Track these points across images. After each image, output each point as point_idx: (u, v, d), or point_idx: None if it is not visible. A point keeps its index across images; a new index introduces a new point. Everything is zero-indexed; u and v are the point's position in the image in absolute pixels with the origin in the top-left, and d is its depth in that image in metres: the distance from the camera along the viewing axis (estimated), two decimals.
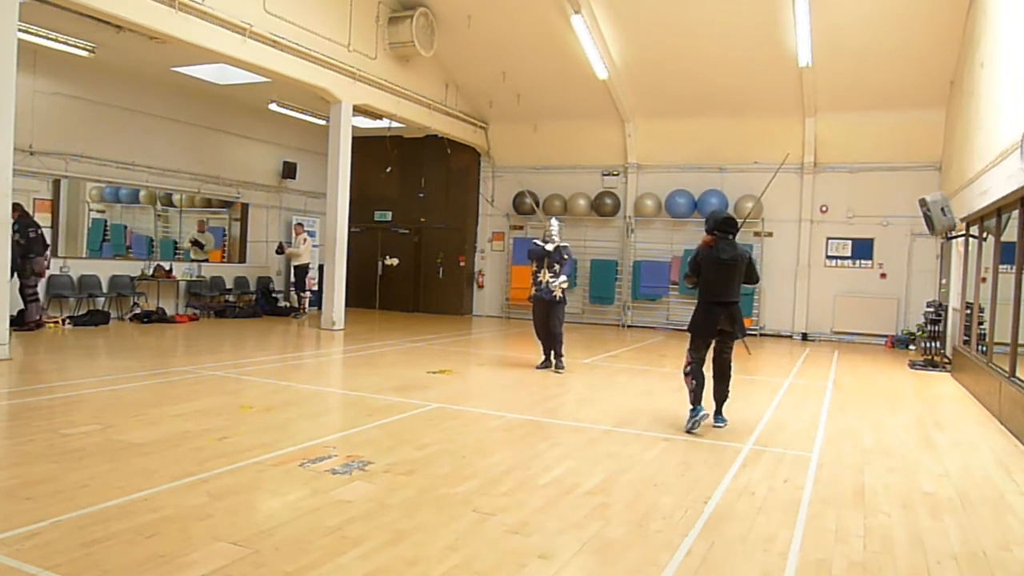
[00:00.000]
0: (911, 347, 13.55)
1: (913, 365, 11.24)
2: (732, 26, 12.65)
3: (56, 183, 12.21)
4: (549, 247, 9.03)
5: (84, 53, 11.12)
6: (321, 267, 14.95)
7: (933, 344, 11.46)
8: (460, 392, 7.67)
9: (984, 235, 9.05)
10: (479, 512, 3.88)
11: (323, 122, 14.42)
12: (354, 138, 13.06)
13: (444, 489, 4.25)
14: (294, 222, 16.07)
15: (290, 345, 11.32)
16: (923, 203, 10.52)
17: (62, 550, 3.14)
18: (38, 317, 10.76)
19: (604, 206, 16.37)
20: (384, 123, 15.32)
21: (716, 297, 6.08)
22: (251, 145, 15.99)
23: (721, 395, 6.24)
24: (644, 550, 3.47)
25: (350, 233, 13.32)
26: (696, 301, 6.26)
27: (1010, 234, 7.41)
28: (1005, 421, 6.84)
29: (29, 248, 10.33)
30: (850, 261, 15.00)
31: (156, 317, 12.86)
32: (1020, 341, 6.75)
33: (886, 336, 14.48)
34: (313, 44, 11.73)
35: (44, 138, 11.75)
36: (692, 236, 15.28)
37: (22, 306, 10.51)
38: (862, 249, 14.90)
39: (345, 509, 3.83)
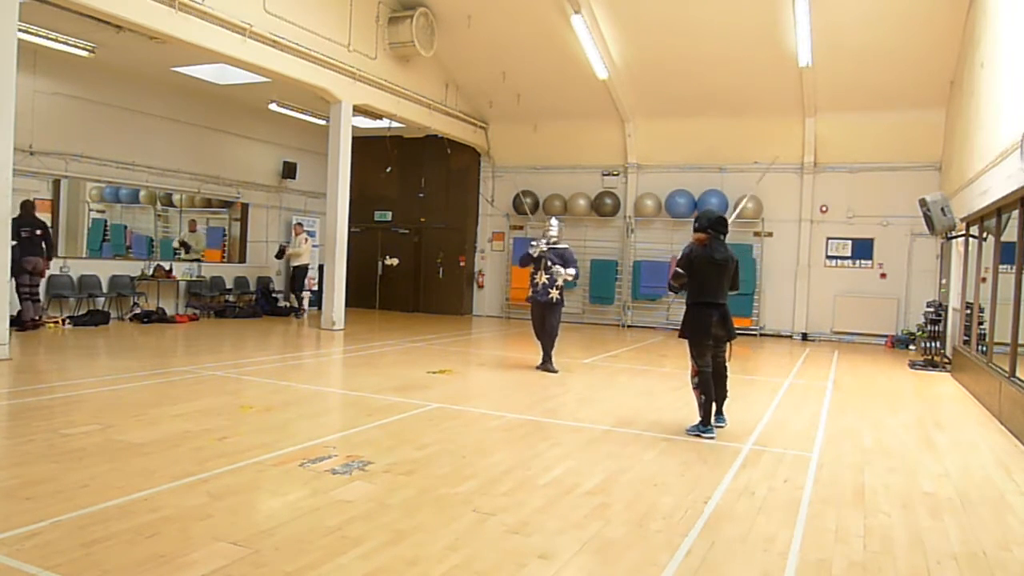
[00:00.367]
0: (911, 347, 13.55)
1: (913, 365, 11.23)
2: (732, 26, 12.64)
3: (56, 183, 12.21)
4: (533, 251, 8.93)
5: (84, 53, 11.13)
6: (321, 267, 14.95)
7: (933, 344, 11.46)
8: (460, 392, 7.67)
9: (984, 235, 9.05)
10: (479, 512, 3.88)
11: (323, 122, 14.42)
12: (354, 138, 13.06)
13: (444, 489, 4.24)
14: (294, 222, 16.07)
15: (290, 345, 11.32)
16: (923, 203, 10.52)
17: (62, 550, 3.14)
18: (36, 317, 10.75)
19: (604, 206, 16.37)
20: (384, 123, 15.31)
21: (709, 297, 5.93)
22: (251, 145, 15.99)
23: (720, 395, 6.19)
24: (644, 550, 3.47)
25: (350, 233, 13.32)
26: (685, 303, 6.05)
27: (1010, 234, 7.41)
28: (1005, 421, 6.84)
29: (22, 248, 10.30)
30: (850, 261, 14.99)
31: (156, 317, 12.86)
32: (1020, 341, 6.74)
33: (886, 336, 14.47)
34: (313, 44, 11.73)
35: (44, 138, 11.75)
36: (692, 236, 15.26)
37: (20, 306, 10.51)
38: (862, 249, 14.89)
39: (345, 509, 3.82)
